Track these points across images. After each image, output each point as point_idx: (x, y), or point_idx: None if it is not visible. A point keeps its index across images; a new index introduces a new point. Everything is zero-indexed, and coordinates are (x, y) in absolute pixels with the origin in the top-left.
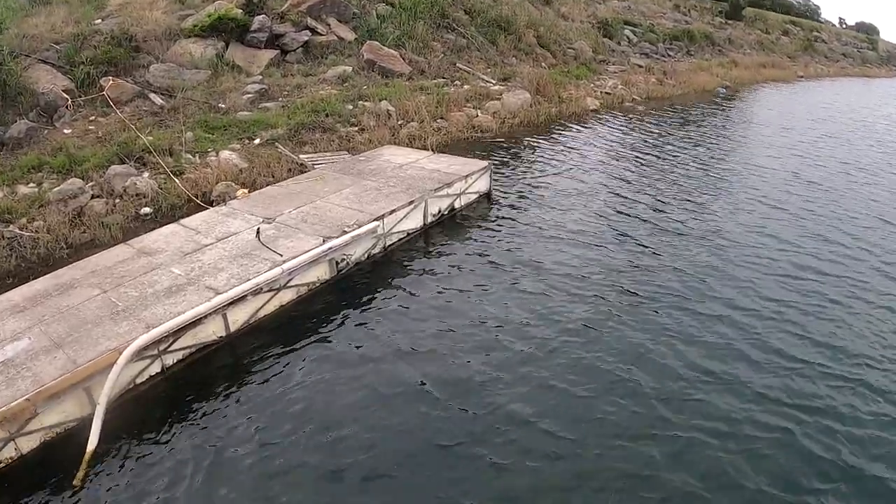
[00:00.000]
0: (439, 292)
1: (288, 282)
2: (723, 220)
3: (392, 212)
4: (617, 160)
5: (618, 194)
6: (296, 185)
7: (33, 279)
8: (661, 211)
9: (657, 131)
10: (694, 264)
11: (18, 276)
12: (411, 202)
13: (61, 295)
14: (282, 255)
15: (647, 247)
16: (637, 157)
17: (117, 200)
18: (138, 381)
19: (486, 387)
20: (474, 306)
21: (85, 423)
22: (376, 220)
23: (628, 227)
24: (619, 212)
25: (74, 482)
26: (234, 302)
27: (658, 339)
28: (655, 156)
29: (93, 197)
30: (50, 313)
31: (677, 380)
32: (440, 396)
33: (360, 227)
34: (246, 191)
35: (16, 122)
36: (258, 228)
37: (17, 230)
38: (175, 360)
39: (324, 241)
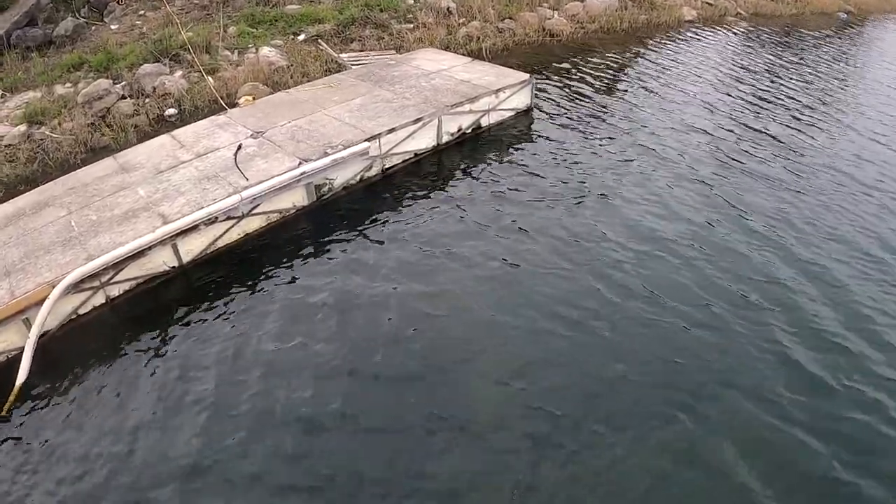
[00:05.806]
0: (439, 219)
1: (253, 209)
2: (825, 180)
3: (391, 130)
4: (703, 84)
5: (691, 125)
6: (304, 93)
7: (42, 184)
8: (741, 154)
9: (759, 54)
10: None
11: (34, 182)
12: (418, 120)
13: (34, 215)
14: (248, 180)
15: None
16: (729, 82)
17: (146, 101)
18: (81, 311)
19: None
20: (475, 236)
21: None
22: (368, 139)
23: (691, 183)
24: (683, 155)
25: (2, 413)
26: (184, 231)
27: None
28: (752, 83)
29: (121, 98)
30: (16, 235)
31: None
32: (418, 344)
33: (345, 148)
34: (251, 97)
35: (66, 19)
36: (239, 145)
37: (48, 132)
38: (121, 291)
39: (300, 163)
